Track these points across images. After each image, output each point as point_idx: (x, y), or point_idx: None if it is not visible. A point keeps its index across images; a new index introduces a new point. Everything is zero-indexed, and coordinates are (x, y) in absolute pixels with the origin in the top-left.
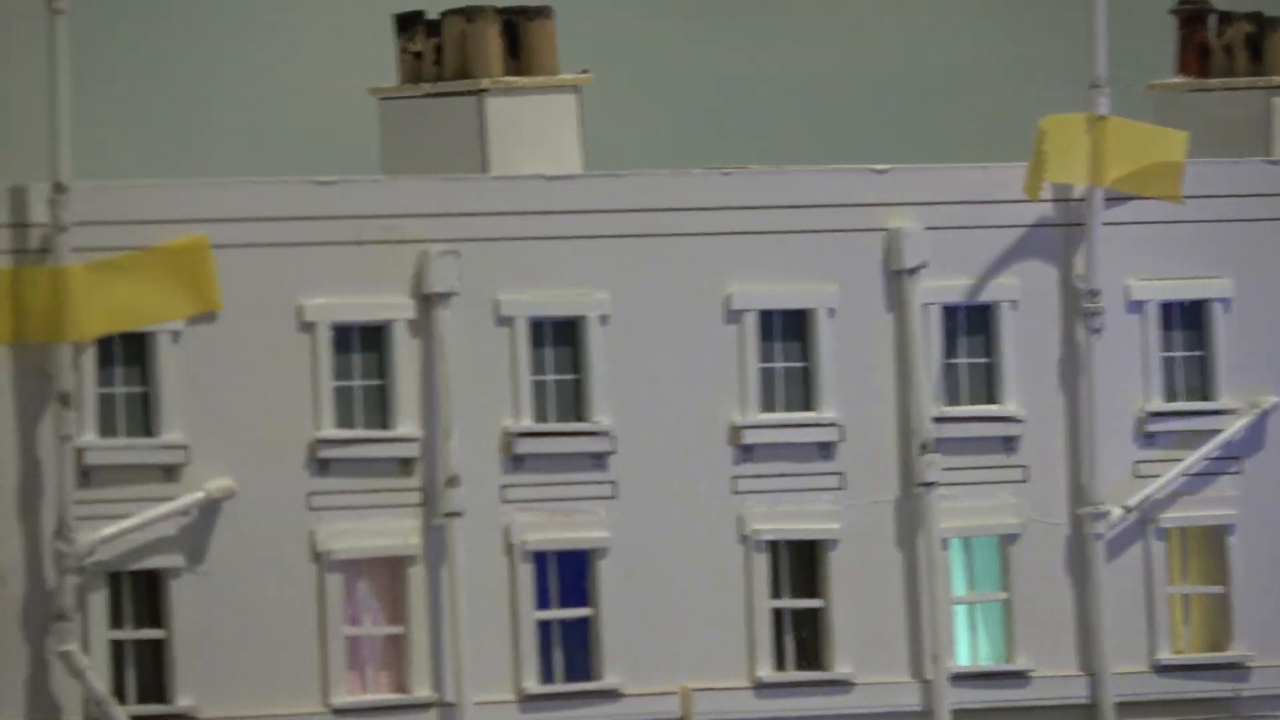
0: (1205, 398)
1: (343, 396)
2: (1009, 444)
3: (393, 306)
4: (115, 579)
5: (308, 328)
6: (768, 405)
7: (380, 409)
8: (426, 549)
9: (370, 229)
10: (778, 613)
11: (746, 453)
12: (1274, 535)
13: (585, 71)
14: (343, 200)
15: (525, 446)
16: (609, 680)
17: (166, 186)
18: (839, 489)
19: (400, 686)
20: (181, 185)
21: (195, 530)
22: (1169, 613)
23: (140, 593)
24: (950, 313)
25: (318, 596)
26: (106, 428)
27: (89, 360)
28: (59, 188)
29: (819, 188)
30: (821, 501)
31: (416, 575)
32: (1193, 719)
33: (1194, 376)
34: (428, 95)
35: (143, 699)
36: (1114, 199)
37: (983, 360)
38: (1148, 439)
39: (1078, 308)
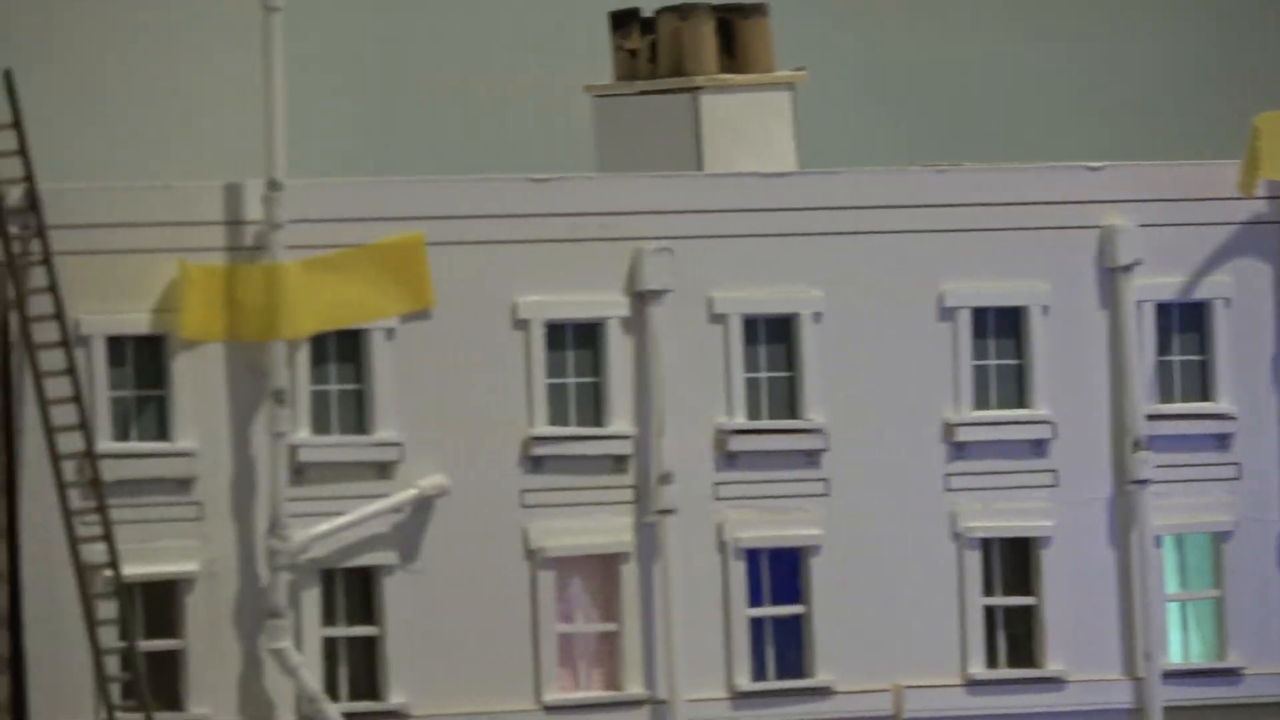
0: None
1: (556, 394)
2: (1222, 441)
3: (606, 304)
4: (328, 576)
5: (522, 325)
6: (981, 402)
7: (593, 406)
8: (639, 546)
9: (584, 226)
10: (990, 610)
11: (959, 450)
12: None
13: (800, 69)
14: (557, 197)
15: (738, 444)
16: (821, 678)
17: (381, 184)
18: (1052, 486)
19: (613, 684)
20: (396, 183)
21: (408, 528)
22: None
23: (353, 590)
24: (1164, 310)
25: (531, 594)
26: (320, 425)
27: (303, 357)
28: (274, 185)
29: (1033, 185)
30: (1034, 499)
31: (629, 572)
32: None
33: None
34: (642, 93)
35: (355, 696)
36: None
37: (1196, 358)
38: None
39: None
